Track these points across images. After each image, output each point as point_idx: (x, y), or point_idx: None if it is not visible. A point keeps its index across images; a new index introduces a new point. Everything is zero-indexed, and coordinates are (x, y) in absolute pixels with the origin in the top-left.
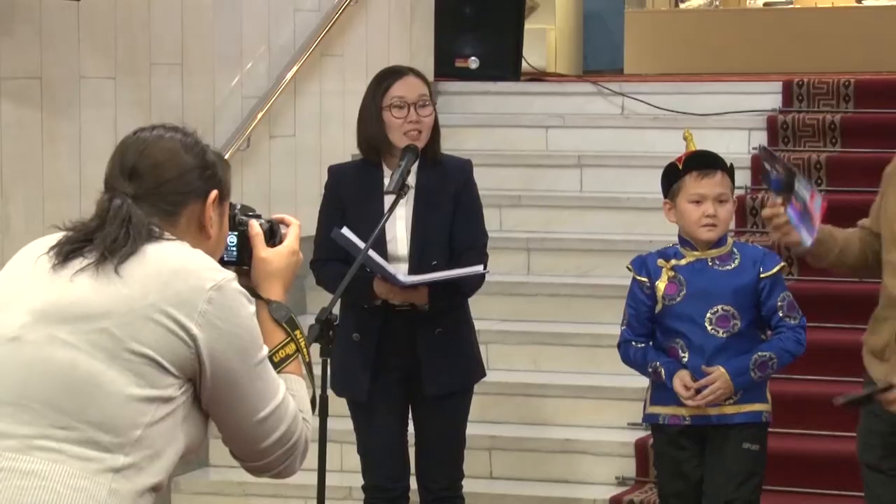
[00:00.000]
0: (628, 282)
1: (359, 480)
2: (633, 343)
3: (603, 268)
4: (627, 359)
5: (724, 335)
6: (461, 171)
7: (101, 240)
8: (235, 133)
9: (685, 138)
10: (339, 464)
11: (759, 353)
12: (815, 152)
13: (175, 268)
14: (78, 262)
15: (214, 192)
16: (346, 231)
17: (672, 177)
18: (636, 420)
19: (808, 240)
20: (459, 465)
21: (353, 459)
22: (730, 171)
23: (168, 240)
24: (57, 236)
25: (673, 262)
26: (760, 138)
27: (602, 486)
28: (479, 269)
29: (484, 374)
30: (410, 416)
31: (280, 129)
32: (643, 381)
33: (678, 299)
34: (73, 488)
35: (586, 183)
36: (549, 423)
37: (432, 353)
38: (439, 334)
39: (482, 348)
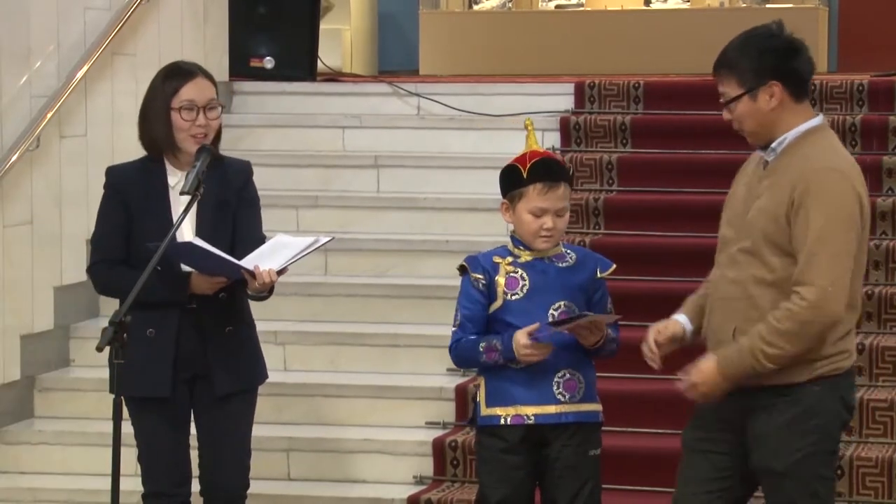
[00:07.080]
0: (425, 282)
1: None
2: (465, 338)
3: (400, 268)
4: (461, 354)
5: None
6: (243, 172)
7: None
8: (24, 133)
9: (526, 127)
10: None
11: (609, 331)
12: (607, 153)
13: None
14: None
15: None
16: (196, 240)
17: (515, 182)
18: (433, 419)
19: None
20: (246, 469)
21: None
22: (570, 179)
23: None
24: None
25: (510, 258)
26: (554, 139)
27: (400, 485)
28: (326, 239)
29: (266, 376)
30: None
31: (71, 128)
32: (440, 381)
33: (520, 294)
34: None
35: (383, 183)
36: (346, 423)
37: (222, 352)
38: (229, 333)
39: (280, 349)
